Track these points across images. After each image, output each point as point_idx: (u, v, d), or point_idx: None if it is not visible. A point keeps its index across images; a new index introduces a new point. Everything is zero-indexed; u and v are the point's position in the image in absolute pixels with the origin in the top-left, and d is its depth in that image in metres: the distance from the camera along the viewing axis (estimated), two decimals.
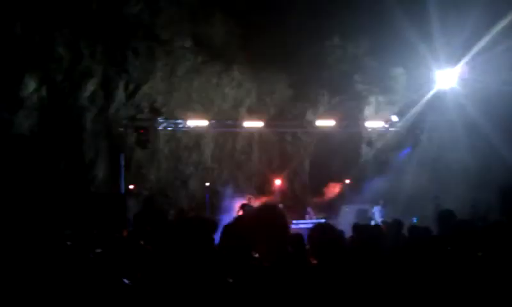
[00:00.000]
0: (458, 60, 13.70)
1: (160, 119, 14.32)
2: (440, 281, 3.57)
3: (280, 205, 15.05)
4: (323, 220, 13.84)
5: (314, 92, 17.07)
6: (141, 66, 14.31)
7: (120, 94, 14.64)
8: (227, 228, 3.51)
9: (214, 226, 2.93)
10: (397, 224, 7.83)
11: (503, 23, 11.99)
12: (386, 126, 16.09)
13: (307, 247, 3.86)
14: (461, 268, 3.61)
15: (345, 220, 12.62)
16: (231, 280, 2.61)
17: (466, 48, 13.15)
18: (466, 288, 3.34)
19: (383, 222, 11.51)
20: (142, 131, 13.43)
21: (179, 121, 14.48)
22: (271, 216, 2.72)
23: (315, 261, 3.47)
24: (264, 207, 3.04)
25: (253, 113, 16.65)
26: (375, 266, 4.44)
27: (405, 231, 7.23)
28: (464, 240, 3.86)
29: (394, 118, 16.33)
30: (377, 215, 13.10)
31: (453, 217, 5.14)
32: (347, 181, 17.05)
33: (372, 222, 11.65)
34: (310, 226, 3.55)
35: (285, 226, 2.73)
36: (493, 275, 3.25)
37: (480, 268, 3.39)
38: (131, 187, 14.93)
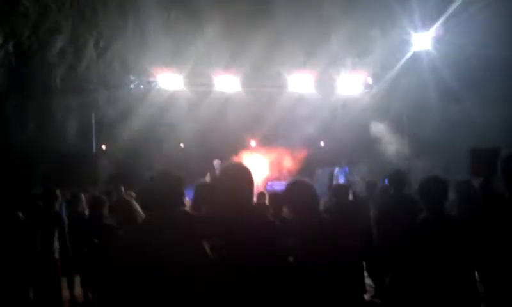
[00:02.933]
0: (433, 22, 13.67)
1: (132, 78, 13.99)
2: None
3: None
4: None
5: (290, 52, 16.85)
6: (112, 22, 13.84)
7: (90, 52, 14.19)
8: None
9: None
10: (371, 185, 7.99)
11: None
12: (362, 88, 16.10)
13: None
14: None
15: (319, 183, 12.72)
16: None
17: (441, 9, 13.11)
18: None
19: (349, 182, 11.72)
20: (113, 89, 13.10)
21: (151, 80, 14.17)
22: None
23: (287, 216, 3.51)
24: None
25: (227, 72, 16.38)
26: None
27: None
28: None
29: (369, 80, 16.33)
30: (341, 177, 13.20)
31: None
32: (322, 143, 17.13)
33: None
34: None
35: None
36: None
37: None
38: (103, 147, 14.69)
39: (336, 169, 13.26)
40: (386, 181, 11.13)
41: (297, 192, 3.20)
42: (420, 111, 15.02)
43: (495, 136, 10.95)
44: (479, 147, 3.54)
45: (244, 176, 2.69)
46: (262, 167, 14.98)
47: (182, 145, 16.12)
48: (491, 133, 11.44)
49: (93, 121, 13.53)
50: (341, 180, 12.59)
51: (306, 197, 3.14)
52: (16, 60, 13.11)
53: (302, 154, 15.68)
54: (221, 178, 2.75)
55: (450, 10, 12.94)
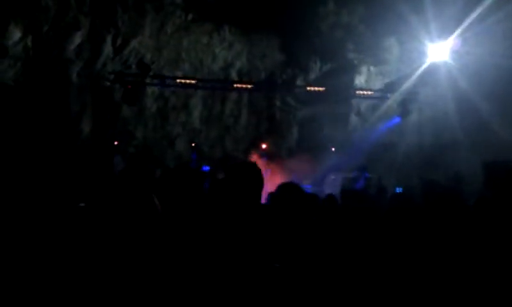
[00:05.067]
0: (450, 33, 13.59)
1: (148, 77, 14.08)
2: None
3: (266, 172, 15.18)
4: (309, 187, 13.93)
5: (305, 58, 16.88)
6: (130, 20, 13.96)
7: (108, 49, 14.31)
8: None
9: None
10: (382, 192, 7.95)
11: None
12: (377, 96, 16.02)
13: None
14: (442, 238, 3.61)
15: (331, 188, 12.67)
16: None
17: (459, 20, 13.03)
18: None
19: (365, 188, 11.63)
20: (129, 87, 13.16)
21: (167, 79, 14.24)
22: None
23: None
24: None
25: (243, 76, 16.46)
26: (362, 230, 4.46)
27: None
28: (448, 211, 3.85)
29: (385, 89, 16.26)
30: (360, 182, 13.15)
31: (438, 187, 5.15)
32: (333, 149, 17.08)
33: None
34: None
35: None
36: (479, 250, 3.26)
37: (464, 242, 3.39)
38: (116, 143, 14.79)
39: (354, 174, 13.21)
40: (400, 190, 11.14)
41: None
42: (437, 121, 14.93)
43: None
44: (494, 161, 3.47)
45: (253, 175, 2.68)
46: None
47: (193, 144, 16.19)
48: (510, 146, 11.32)
49: (108, 119, 13.60)
50: (359, 185, 12.53)
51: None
52: (34, 54, 13.25)
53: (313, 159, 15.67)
54: (229, 177, 2.73)
55: (467, 21, 12.86)
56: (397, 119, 15.57)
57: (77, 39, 13.74)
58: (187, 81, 14.18)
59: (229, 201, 2.64)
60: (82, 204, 5.00)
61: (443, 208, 4.14)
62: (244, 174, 2.68)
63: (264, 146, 16.68)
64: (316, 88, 15.51)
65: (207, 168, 12.82)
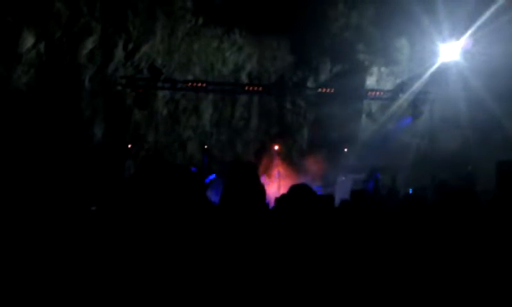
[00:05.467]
0: (462, 33, 13.51)
1: (159, 81, 14.15)
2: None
3: (277, 174, 15.19)
4: (319, 188, 13.90)
5: (316, 60, 16.88)
6: (141, 25, 14.09)
7: (119, 54, 14.45)
8: None
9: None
10: (394, 193, 7.94)
11: None
12: (388, 97, 15.95)
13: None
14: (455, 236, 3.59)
15: (341, 190, 12.64)
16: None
17: (470, 20, 12.96)
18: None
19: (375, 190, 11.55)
20: (141, 91, 13.24)
21: (178, 83, 14.32)
22: None
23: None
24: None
25: (253, 79, 16.50)
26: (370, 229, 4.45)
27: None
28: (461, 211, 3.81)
29: (396, 89, 16.17)
30: (370, 183, 13.05)
31: (450, 188, 5.13)
32: (345, 150, 17.02)
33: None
34: None
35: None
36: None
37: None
38: (129, 146, 14.90)
39: (365, 175, 13.14)
40: (411, 191, 11.09)
41: None
42: (448, 121, 14.83)
43: None
44: (506, 160, 3.44)
45: (252, 174, 2.72)
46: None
47: (205, 146, 16.23)
48: None
49: (120, 123, 13.72)
50: (370, 186, 12.44)
51: None
52: (47, 60, 13.42)
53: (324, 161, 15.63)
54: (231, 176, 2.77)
55: (479, 21, 12.79)
56: (408, 120, 15.49)
57: (89, 44, 13.91)
58: (198, 84, 14.23)
59: (228, 201, 2.68)
60: (94, 208, 5.07)
61: (455, 208, 4.10)
62: (238, 173, 2.73)
63: (276, 147, 16.67)
64: (327, 90, 15.47)
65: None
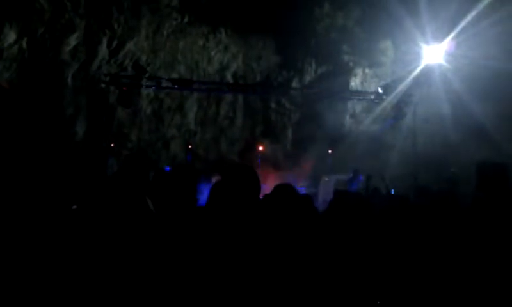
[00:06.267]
0: (445, 35, 13.67)
1: (143, 79, 14.03)
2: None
3: (260, 172, 15.15)
4: (303, 189, 13.93)
5: (301, 60, 16.94)
6: (126, 22, 13.95)
7: (103, 51, 14.30)
8: None
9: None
10: (375, 193, 7.97)
11: None
12: (372, 98, 16.04)
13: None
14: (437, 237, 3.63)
15: (324, 190, 12.70)
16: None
17: (453, 23, 13.13)
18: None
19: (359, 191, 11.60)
20: (125, 88, 13.10)
21: (163, 81, 14.22)
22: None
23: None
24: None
25: (238, 78, 16.48)
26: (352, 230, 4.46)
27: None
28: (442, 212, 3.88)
29: (380, 91, 16.27)
30: (354, 185, 13.12)
31: (432, 189, 5.18)
32: (330, 151, 17.09)
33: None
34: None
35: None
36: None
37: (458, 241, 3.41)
38: (111, 145, 14.75)
39: (348, 176, 13.19)
40: (392, 192, 11.17)
41: None
42: (432, 124, 14.99)
43: (508, 150, 10.89)
44: (485, 162, 3.49)
45: (249, 177, 2.69)
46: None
47: (189, 146, 16.16)
48: (504, 148, 11.37)
49: (103, 121, 13.57)
50: (353, 187, 12.51)
51: None
52: (29, 56, 13.22)
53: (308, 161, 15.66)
54: (226, 179, 2.74)
55: (462, 24, 12.96)
56: (391, 121, 15.61)
57: (73, 41, 13.72)
58: (183, 83, 14.14)
59: (228, 202, 2.66)
60: (75, 207, 4.99)
61: (437, 209, 4.17)
62: (242, 177, 2.70)
63: (260, 148, 16.67)
64: (311, 90, 15.54)
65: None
